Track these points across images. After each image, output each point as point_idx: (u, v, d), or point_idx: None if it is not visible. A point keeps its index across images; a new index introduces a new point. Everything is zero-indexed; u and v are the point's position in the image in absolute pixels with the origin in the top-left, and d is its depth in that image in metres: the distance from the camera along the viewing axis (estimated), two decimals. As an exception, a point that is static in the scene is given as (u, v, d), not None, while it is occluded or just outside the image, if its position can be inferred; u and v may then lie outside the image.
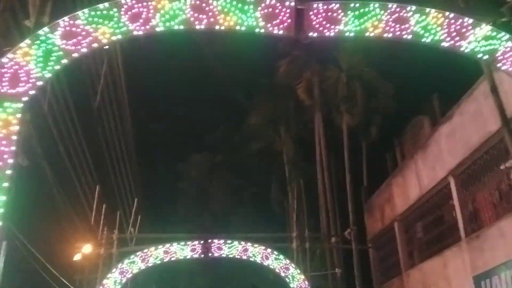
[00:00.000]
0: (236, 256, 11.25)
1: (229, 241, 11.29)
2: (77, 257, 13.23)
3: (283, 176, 16.18)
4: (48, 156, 8.63)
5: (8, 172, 4.17)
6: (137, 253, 10.82)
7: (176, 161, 18.56)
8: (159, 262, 10.94)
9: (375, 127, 14.90)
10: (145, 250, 10.89)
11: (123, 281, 10.61)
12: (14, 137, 4.25)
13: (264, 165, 16.63)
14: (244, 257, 11.32)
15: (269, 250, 11.35)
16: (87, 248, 11.23)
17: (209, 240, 11.30)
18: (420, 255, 10.80)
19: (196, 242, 11.21)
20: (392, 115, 14.52)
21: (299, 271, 11.21)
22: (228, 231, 12.96)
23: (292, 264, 11.27)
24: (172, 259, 11.05)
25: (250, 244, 11.33)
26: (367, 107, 14.57)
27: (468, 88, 8.66)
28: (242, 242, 11.32)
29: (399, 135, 12.86)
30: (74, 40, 4.64)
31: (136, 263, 10.78)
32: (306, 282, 11.12)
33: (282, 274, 11.23)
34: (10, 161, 4.19)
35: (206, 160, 18.03)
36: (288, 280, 11.15)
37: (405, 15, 5.08)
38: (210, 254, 11.19)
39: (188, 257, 11.13)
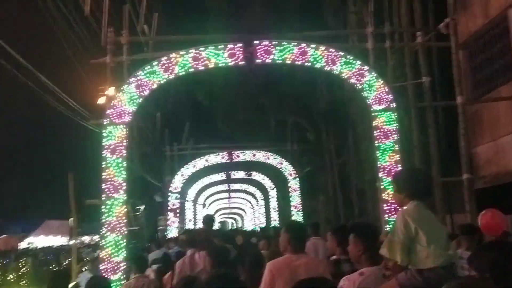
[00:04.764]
0: (292, 62, 8.26)
1: (283, 42, 8.19)
2: (101, 100, 10.63)
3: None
4: None
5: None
6: (159, 60, 7.92)
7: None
8: (187, 71, 8.07)
9: None
10: (169, 56, 7.96)
11: (142, 97, 7.89)
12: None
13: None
14: (301, 63, 8.33)
15: (336, 51, 8.26)
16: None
17: (254, 42, 8.24)
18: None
19: (235, 45, 8.18)
20: None
21: (377, 78, 8.23)
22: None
23: (369, 69, 8.26)
24: (205, 67, 8.15)
25: (310, 45, 8.23)
26: None
27: None
28: (300, 43, 8.22)
29: None
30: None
31: (157, 73, 7.92)
32: (387, 91, 8.20)
33: (354, 82, 8.28)
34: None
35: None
36: (362, 89, 8.23)
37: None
38: (255, 61, 8.24)
39: (225, 64, 8.19)
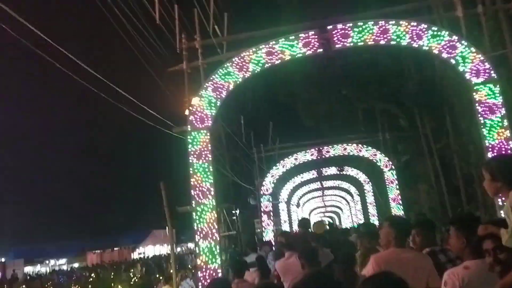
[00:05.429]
0: (373, 42, 7.65)
1: (359, 23, 7.64)
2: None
3: None
4: None
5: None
6: (232, 60, 7.75)
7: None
8: (262, 67, 7.81)
9: None
10: (242, 55, 7.76)
11: (221, 100, 7.76)
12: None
13: None
14: (384, 42, 7.68)
15: (422, 25, 7.51)
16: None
17: (329, 27, 7.77)
18: None
19: (309, 33, 7.77)
20: None
21: (472, 49, 7.34)
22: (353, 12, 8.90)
23: (461, 39, 7.40)
24: (280, 61, 7.82)
25: (391, 21, 7.57)
26: None
27: None
28: (378, 21, 7.60)
29: None
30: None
31: (232, 74, 7.75)
32: (486, 63, 7.28)
33: (445, 56, 7.46)
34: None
35: None
36: (456, 63, 7.38)
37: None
38: (332, 46, 7.76)
39: (301, 55, 7.79)
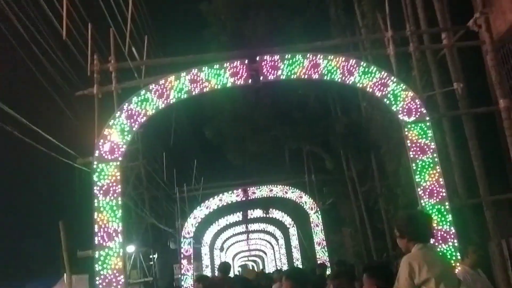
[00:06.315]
0: (303, 76, 7.25)
1: (287, 56, 7.22)
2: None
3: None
4: None
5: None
6: (150, 86, 6.96)
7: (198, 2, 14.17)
8: (184, 96, 7.08)
9: None
10: (161, 82, 7.00)
11: (135, 128, 6.88)
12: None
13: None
14: (315, 77, 7.31)
15: (352, 60, 7.24)
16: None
17: (257, 58, 7.27)
18: None
19: (237, 63, 7.22)
20: None
21: (403, 87, 7.15)
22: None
23: (392, 77, 7.19)
24: (204, 90, 7.16)
25: (322, 57, 7.23)
26: None
27: None
28: (309, 56, 7.24)
29: None
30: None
31: (150, 101, 6.93)
32: (417, 101, 7.10)
33: (377, 94, 7.21)
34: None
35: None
36: (388, 102, 7.15)
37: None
38: (260, 78, 7.25)
39: (227, 84, 7.19)
